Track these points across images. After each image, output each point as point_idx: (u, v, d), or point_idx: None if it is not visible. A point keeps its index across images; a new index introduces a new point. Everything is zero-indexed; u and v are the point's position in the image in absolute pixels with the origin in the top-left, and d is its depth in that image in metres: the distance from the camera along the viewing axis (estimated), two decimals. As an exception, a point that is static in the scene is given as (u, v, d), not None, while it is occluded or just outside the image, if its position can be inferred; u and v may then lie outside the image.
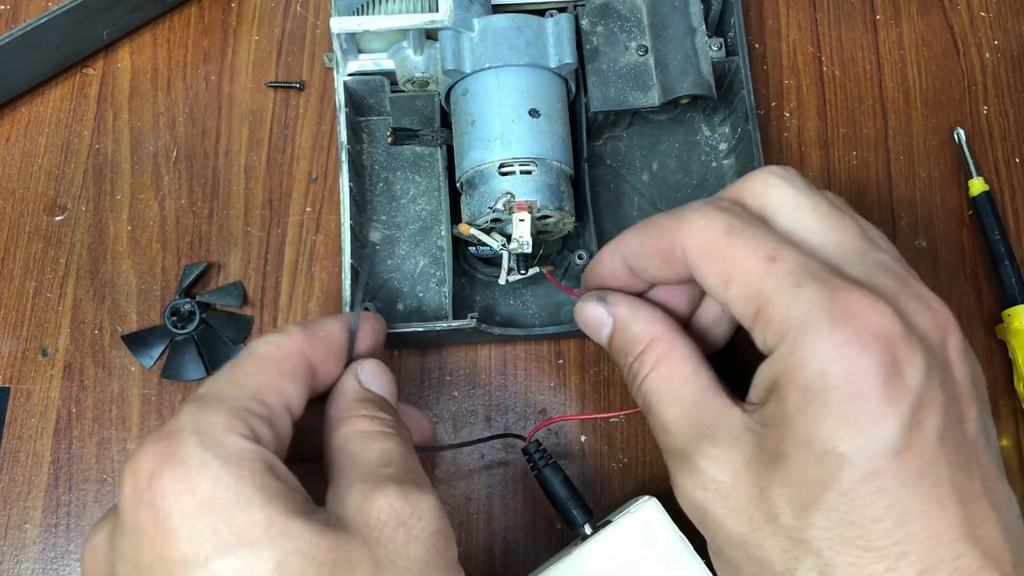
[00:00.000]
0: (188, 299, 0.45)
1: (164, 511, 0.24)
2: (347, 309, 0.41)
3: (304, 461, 0.34)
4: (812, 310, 0.27)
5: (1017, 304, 0.45)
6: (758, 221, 0.30)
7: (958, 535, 0.26)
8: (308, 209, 0.47)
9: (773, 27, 0.52)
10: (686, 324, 0.35)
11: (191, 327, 0.44)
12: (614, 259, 0.34)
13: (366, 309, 0.39)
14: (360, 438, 0.30)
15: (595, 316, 0.35)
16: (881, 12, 0.52)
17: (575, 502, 0.39)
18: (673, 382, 0.32)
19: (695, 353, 0.33)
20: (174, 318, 0.44)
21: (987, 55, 0.52)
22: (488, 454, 0.44)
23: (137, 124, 0.49)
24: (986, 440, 0.28)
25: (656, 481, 0.44)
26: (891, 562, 0.26)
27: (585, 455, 0.44)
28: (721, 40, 0.45)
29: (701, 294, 0.35)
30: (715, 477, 0.29)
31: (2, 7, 0.51)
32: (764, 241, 0.29)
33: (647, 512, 0.38)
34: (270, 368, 0.30)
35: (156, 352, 0.44)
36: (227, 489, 0.25)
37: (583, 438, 0.44)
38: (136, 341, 0.45)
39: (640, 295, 0.35)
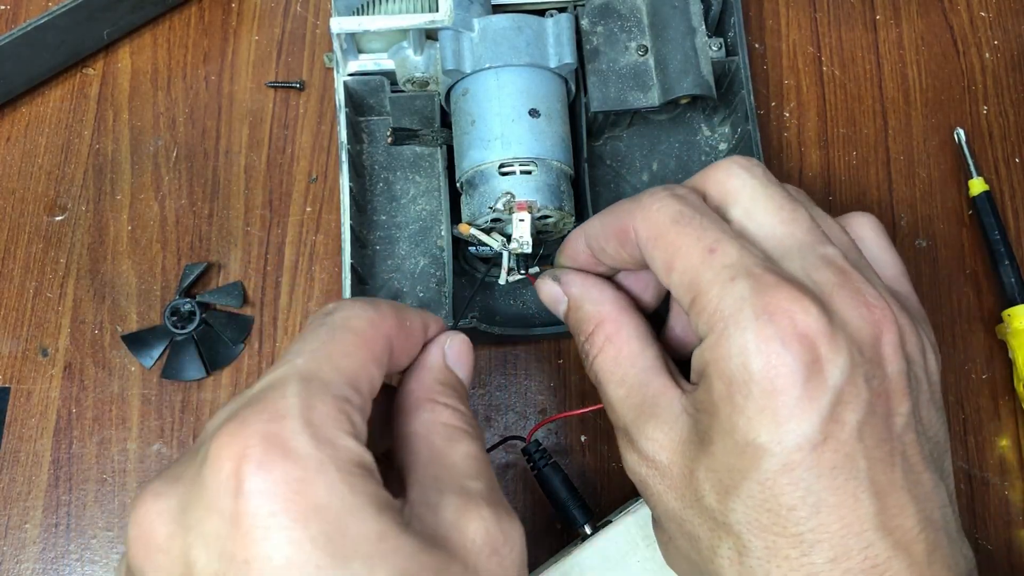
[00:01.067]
0: (188, 299, 0.45)
1: (272, 510, 0.22)
2: None
3: None
4: (741, 304, 0.28)
5: (1017, 304, 0.45)
6: (709, 211, 0.31)
7: (870, 526, 0.27)
8: (308, 209, 0.47)
9: (773, 27, 0.52)
10: (656, 313, 0.36)
11: (191, 327, 0.44)
12: (578, 241, 0.35)
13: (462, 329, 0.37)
14: (443, 432, 0.29)
15: (551, 293, 0.36)
16: (881, 12, 0.52)
17: (575, 502, 0.39)
18: (619, 363, 0.33)
19: (644, 333, 0.33)
20: (174, 318, 0.44)
21: (987, 55, 0.52)
22: (488, 453, 0.44)
23: (137, 124, 0.49)
24: (917, 432, 0.29)
25: (656, 481, 0.44)
26: (805, 548, 0.27)
27: (585, 455, 0.44)
28: (721, 40, 0.45)
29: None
30: (654, 456, 0.31)
31: (2, 7, 0.51)
32: (708, 231, 0.30)
33: (647, 512, 0.38)
34: (364, 350, 0.28)
35: (156, 352, 0.44)
36: (341, 498, 0.23)
37: (583, 438, 0.44)
38: (136, 341, 0.45)
39: (610, 279, 0.36)
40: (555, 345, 0.46)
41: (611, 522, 0.39)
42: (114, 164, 0.48)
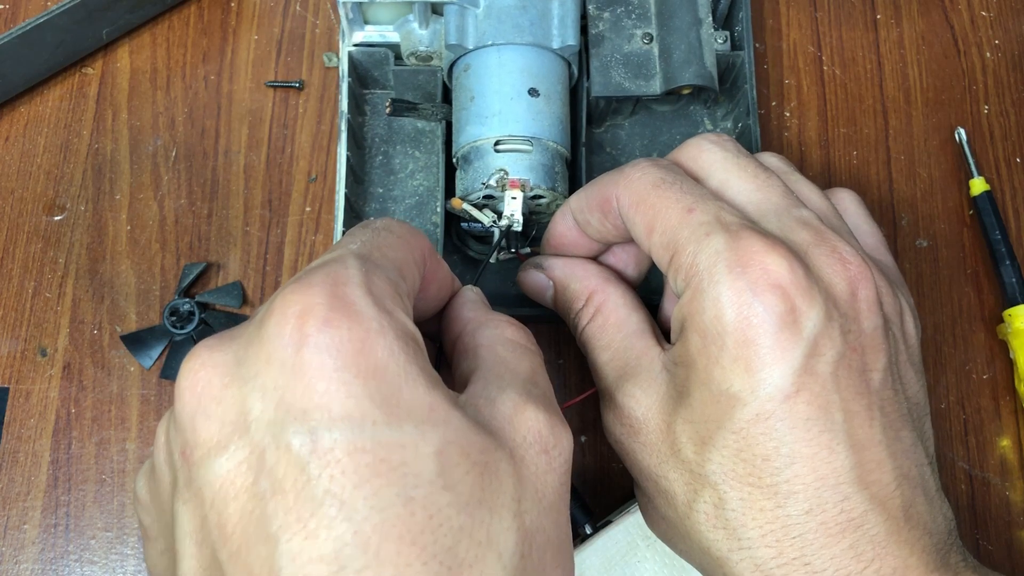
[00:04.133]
0: (187, 299, 0.45)
1: (336, 363, 0.22)
2: None
3: None
4: (715, 258, 0.28)
5: (1018, 304, 0.45)
6: (688, 178, 0.32)
7: (846, 479, 0.27)
8: (308, 209, 0.47)
9: (773, 26, 0.52)
10: (638, 286, 0.37)
11: (190, 327, 0.44)
12: (566, 218, 0.36)
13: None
14: (509, 346, 0.30)
15: (535, 282, 0.37)
16: (882, 12, 0.52)
17: (575, 502, 0.39)
18: (606, 330, 0.34)
19: (630, 301, 0.34)
20: (173, 318, 0.44)
21: (988, 55, 0.51)
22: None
23: (136, 124, 0.48)
24: (895, 390, 0.29)
25: (656, 481, 0.44)
26: (779, 499, 0.28)
27: (585, 455, 0.44)
28: (727, 33, 0.45)
29: (648, 258, 0.36)
30: (631, 413, 0.31)
31: (1, 7, 0.51)
32: (687, 194, 0.30)
33: (647, 512, 0.38)
34: (406, 249, 0.28)
35: (155, 352, 0.44)
36: (398, 362, 0.23)
37: (583, 438, 0.44)
38: (135, 341, 0.45)
39: (594, 259, 0.37)
40: (555, 345, 0.46)
41: (611, 522, 0.39)
42: (113, 164, 0.48)
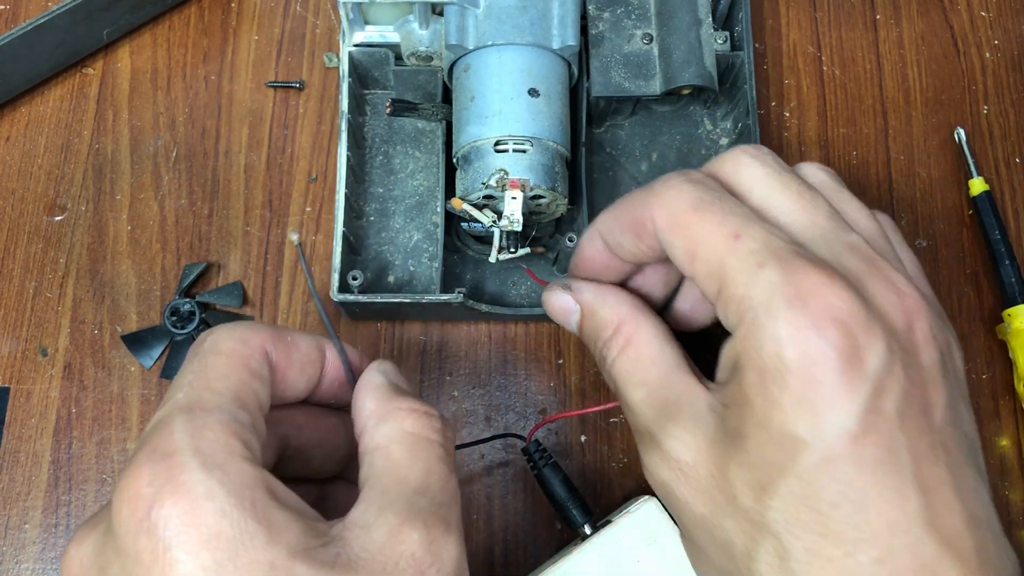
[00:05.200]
0: (188, 299, 0.45)
1: (166, 543, 0.23)
2: (335, 276, 0.41)
3: (305, 480, 0.33)
4: (771, 291, 0.27)
5: (1017, 304, 0.45)
6: (729, 195, 0.30)
7: (917, 523, 0.26)
8: (308, 209, 0.47)
9: (773, 27, 0.52)
10: (665, 307, 0.35)
11: (191, 327, 0.44)
12: (594, 240, 0.34)
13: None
14: (406, 443, 0.29)
15: (562, 304, 0.35)
16: (881, 12, 0.52)
17: (575, 502, 0.39)
18: (639, 364, 0.32)
19: (662, 333, 0.32)
20: (174, 318, 0.44)
21: (987, 55, 0.51)
22: (488, 454, 0.44)
23: (137, 124, 0.49)
24: (955, 426, 0.28)
25: (656, 481, 0.44)
26: (848, 548, 0.26)
27: (585, 455, 0.44)
28: (727, 34, 0.45)
29: (679, 276, 0.35)
30: (678, 457, 0.29)
31: (2, 7, 0.51)
32: (731, 216, 0.28)
33: (647, 512, 0.38)
34: (238, 368, 0.28)
35: (156, 352, 0.44)
36: (233, 524, 0.24)
37: (583, 438, 0.44)
38: (136, 341, 0.45)
39: (622, 284, 0.35)
40: (555, 345, 0.46)
41: (611, 522, 0.39)
42: (114, 164, 0.48)
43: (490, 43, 0.41)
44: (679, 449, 0.29)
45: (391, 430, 0.29)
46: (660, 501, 0.39)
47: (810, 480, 0.26)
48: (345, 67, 0.44)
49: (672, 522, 0.38)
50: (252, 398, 0.28)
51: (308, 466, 0.34)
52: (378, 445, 0.29)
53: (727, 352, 0.29)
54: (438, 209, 0.44)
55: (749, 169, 0.30)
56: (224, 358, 0.29)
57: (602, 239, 0.33)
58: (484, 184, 0.40)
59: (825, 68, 0.51)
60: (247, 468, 0.25)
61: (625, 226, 0.32)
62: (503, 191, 0.40)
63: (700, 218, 0.29)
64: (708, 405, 0.29)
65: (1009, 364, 0.46)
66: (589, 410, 0.44)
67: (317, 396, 0.34)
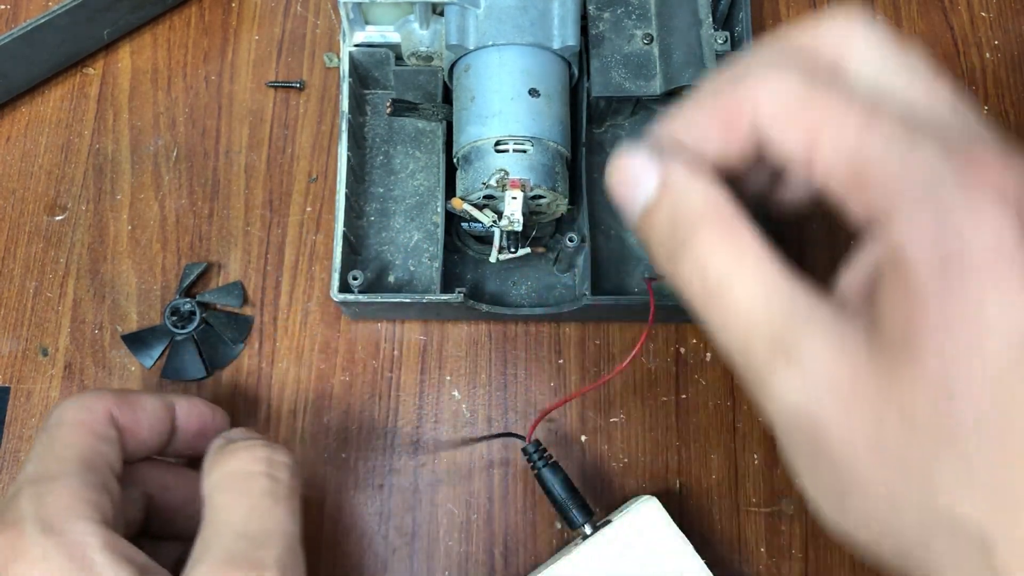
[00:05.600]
0: (188, 299, 0.45)
1: None
2: (336, 276, 0.41)
3: (175, 537, 0.35)
4: (935, 168, 0.23)
5: (1017, 304, 0.45)
6: (843, 77, 0.25)
7: None
8: (308, 209, 0.47)
9: (773, 27, 0.52)
10: None
11: (191, 327, 0.44)
12: (665, 139, 0.27)
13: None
14: (229, 484, 0.30)
15: (637, 172, 0.26)
16: (881, 12, 0.52)
17: (575, 502, 0.39)
18: (745, 265, 0.25)
19: (763, 235, 0.26)
20: (174, 318, 0.44)
21: (987, 55, 0.52)
22: (488, 454, 0.44)
23: (137, 124, 0.49)
24: None
25: (656, 481, 0.44)
26: None
27: (585, 455, 0.44)
28: (727, 34, 0.45)
29: (766, 183, 0.30)
30: (825, 370, 0.23)
31: (2, 7, 0.51)
32: (856, 98, 0.24)
33: (647, 512, 0.38)
34: (83, 434, 0.31)
35: (156, 352, 0.44)
36: None
37: (583, 438, 0.44)
38: (136, 341, 0.45)
39: None
40: (555, 345, 0.46)
41: (611, 522, 0.39)
42: (114, 164, 0.48)
43: (490, 43, 0.41)
44: (824, 361, 0.23)
45: (216, 477, 0.31)
46: (660, 504, 0.39)
47: (1004, 376, 0.21)
48: (345, 67, 0.44)
49: (672, 522, 0.38)
50: (100, 460, 0.30)
51: (175, 525, 0.36)
52: (205, 495, 0.31)
53: (869, 250, 0.25)
54: (438, 209, 0.45)
55: (862, 40, 0.26)
56: (68, 428, 0.31)
57: (675, 139, 0.27)
58: (484, 184, 0.40)
59: (825, 68, 0.51)
60: (86, 528, 0.27)
61: (712, 120, 0.26)
62: (503, 191, 0.40)
63: (818, 100, 0.24)
64: (851, 311, 0.24)
65: (1009, 364, 0.46)
66: (586, 389, 0.44)
67: (177, 450, 0.36)
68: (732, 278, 0.25)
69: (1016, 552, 0.21)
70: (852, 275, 0.25)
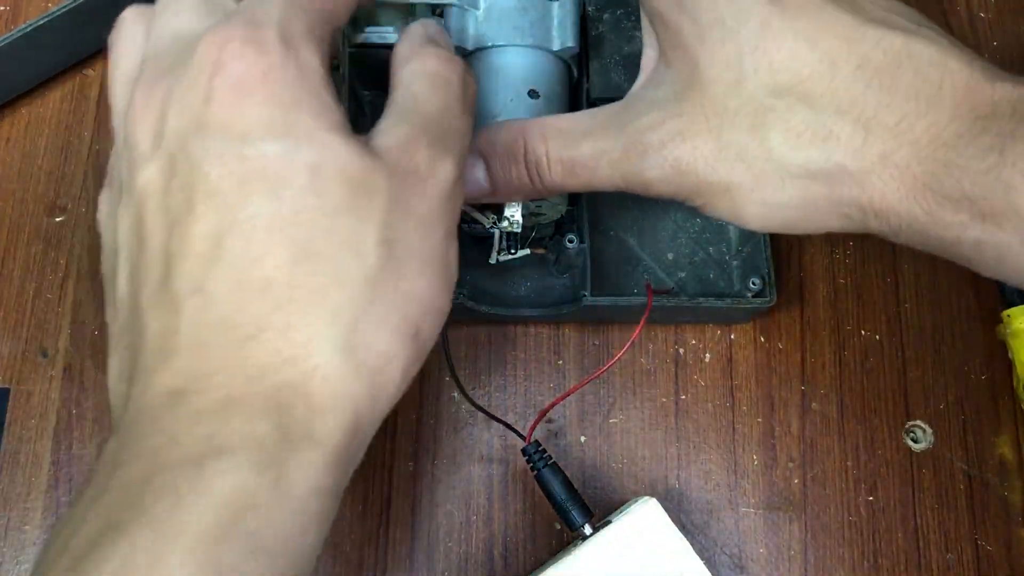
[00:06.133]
0: (188, 300, 0.45)
1: (241, 86, 0.27)
2: None
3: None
4: None
5: (1017, 304, 0.45)
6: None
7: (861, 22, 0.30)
8: (308, 210, 0.47)
9: (772, 28, 0.52)
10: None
11: (191, 328, 0.44)
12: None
13: None
14: (427, 81, 0.32)
15: (469, 175, 0.36)
16: (880, 13, 0.52)
17: (575, 502, 0.39)
18: (567, 120, 0.36)
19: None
20: (174, 319, 0.44)
21: (986, 55, 0.51)
22: (488, 454, 0.44)
23: (137, 125, 0.49)
24: None
25: (655, 482, 0.44)
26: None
27: (585, 455, 0.44)
28: None
29: None
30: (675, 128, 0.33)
31: (2, 8, 0.51)
32: None
33: (647, 512, 0.38)
34: None
35: (156, 353, 0.44)
36: (292, 92, 0.27)
37: (583, 438, 0.44)
38: (136, 342, 0.45)
39: None
40: (555, 346, 0.46)
41: (611, 522, 0.39)
42: (114, 165, 0.48)
43: (490, 45, 0.41)
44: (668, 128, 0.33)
45: (415, 68, 0.32)
46: (660, 504, 0.39)
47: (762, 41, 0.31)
48: (346, 68, 0.44)
49: (672, 523, 0.38)
50: (338, 7, 0.31)
51: None
52: (402, 81, 0.32)
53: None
54: None
55: None
56: None
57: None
58: None
59: (824, 69, 0.51)
60: (314, 59, 0.28)
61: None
62: None
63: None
64: (656, 88, 0.34)
65: (1008, 364, 0.46)
66: (585, 382, 0.44)
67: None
68: (573, 139, 0.35)
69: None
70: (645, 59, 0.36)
